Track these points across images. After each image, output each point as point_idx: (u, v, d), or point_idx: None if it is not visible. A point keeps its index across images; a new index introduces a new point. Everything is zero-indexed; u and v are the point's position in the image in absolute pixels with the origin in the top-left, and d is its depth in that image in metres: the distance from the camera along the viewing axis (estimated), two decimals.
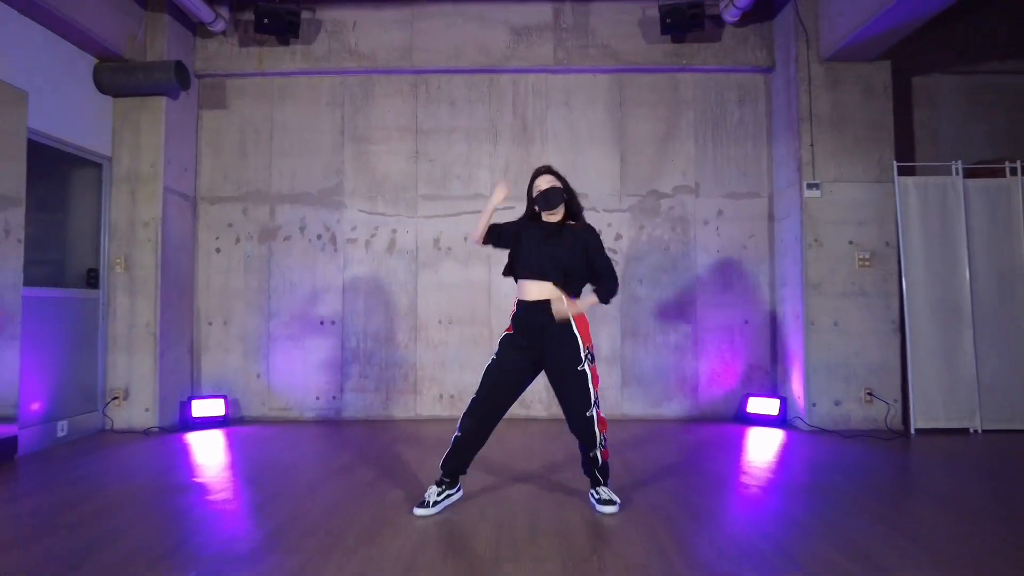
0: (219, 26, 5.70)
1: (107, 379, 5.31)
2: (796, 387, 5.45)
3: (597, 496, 3.20)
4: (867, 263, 5.31)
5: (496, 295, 5.79)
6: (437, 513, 3.12)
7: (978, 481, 3.80)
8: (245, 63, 5.86)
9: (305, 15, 5.74)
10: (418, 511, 3.10)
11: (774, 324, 5.80)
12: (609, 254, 3.32)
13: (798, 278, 5.39)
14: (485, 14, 5.83)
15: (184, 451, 4.63)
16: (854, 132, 5.38)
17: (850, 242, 5.33)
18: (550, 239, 3.24)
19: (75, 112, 5.03)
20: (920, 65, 5.94)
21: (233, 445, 4.82)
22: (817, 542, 2.75)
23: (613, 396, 5.73)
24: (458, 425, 3.23)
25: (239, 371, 5.82)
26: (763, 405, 5.53)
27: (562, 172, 3.22)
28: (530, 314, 3.20)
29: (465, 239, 5.82)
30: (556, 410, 5.54)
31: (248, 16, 5.75)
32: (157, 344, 5.32)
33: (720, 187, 5.87)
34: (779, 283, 5.74)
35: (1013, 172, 5.32)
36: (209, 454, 4.54)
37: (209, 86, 5.97)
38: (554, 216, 3.30)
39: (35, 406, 4.61)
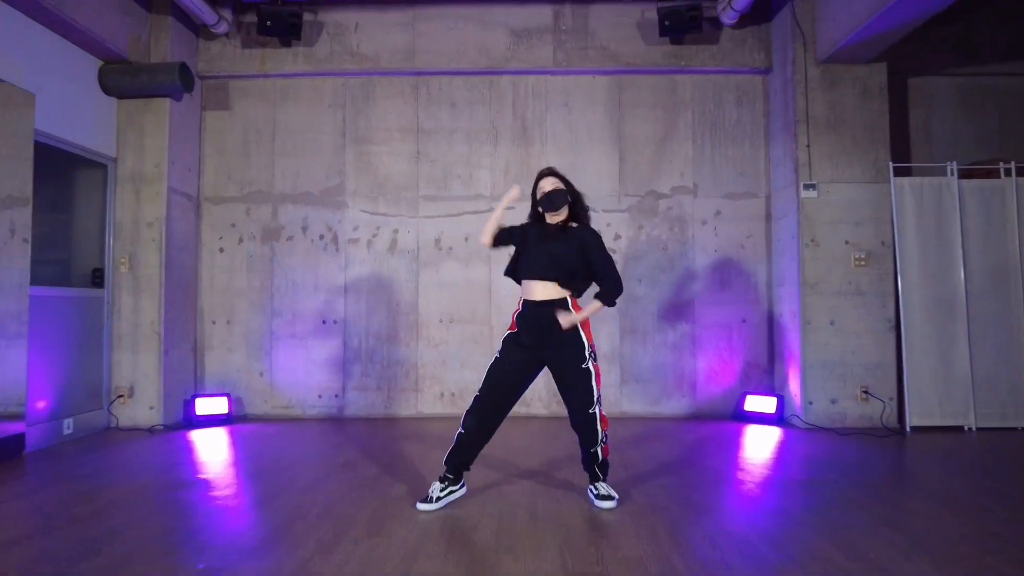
0: (222, 28, 5.77)
1: (112, 377, 5.37)
2: (793, 385, 5.51)
3: (596, 491, 3.27)
4: (863, 263, 5.38)
5: (496, 294, 5.85)
6: (440, 508, 3.19)
7: (972, 478, 3.85)
8: (248, 65, 5.93)
9: (307, 17, 5.80)
10: (421, 506, 3.16)
11: (771, 323, 5.87)
12: (608, 254, 3.36)
13: (795, 277, 5.46)
14: (486, 16, 5.89)
15: (188, 448, 4.69)
16: (850, 133, 5.44)
17: (846, 242, 5.39)
18: (550, 239, 3.29)
19: (80, 114, 5.09)
20: (916, 67, 6.00)
21: (237, 442, 4.88)
22: (811, 536, 2.81)
23: (612, 394, 5.79)
24: (462, 422, 3.29)
25: (242, 370, 5.89)
26: (760, 403, 5.59)
27: (561, 173, 3.29)
28: (535, 313, 3.25)
29: (466, 239, 5.89)
30: (556, 408, 5.61)
31: (251, 18, 5.81)
32: (161, 343, 5.38)
33: (718, 187, 5.94)
34: (776, 282, 5.81)
35: (1007, 173, 5.38)
36: (213, 451, 4.60)
37: (212, 87, 6.03)
38: (558, 217, 3.35)
39: (42, 404, 4.67)
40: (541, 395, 5.77)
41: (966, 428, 5.21)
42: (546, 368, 3.36)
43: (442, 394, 5.87)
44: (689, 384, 5.86)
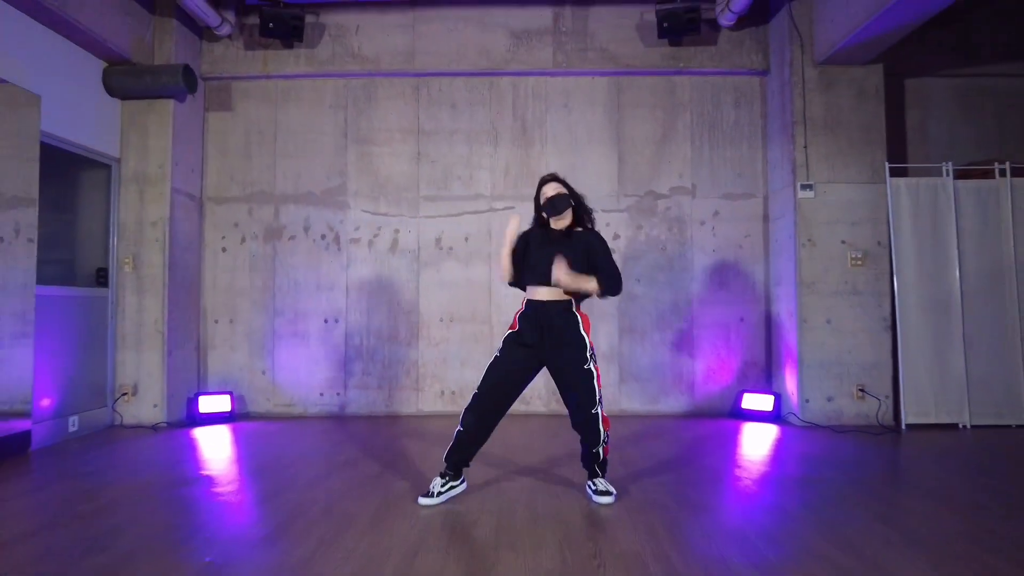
0: (225, 30, 5.83)
1: (116, 376, 5.43)
2: (790, 383, 5.57)
3: (594, 487, 3.32)
4: (859, 262, 5.43)
5: (496, 294, 5.91)
6: (441, 503, 3.24)
7: (967, 475, 3.90)
8: (250, 66, 5.98)
9: (309, 19, 5.85)
10: (423, 500, 3.22)
11: (769, 322, 5.92)
12: (613, 258, 3.39)
13: (792, 277, 5.51)
14: (486, 18, 5.95)
15: (192, 446, 4.74)
16: (847, 134, 5.50)
17: (843, 242, 5.45)
18: (555, 243, 3.33)
19: (85, 115, 5.15)
20: (912, 68, 6.05)
21: (239, 440, 4.94)
22: (807, 532, 2.86)
23: (611, 392, 5.84)
24: (460, 420, 3.33)
25: (245, 368, 5.94)
26: (758, 401, 5.65)
27: (561, 173, 3.32)
28: (539, 313, 3.30)
29: (466, 239, 5.95)
30: (555, 406, 5.67)
31: (253, 20, 5.87)
32: (165, 342, 5.44)
33: (716, 188, 5.99)
34: (774, 282, 5.86)
35: (1002, 173, 5.43)
36: (216, 449, 4.65)
37: (215, 89, 6.08)
38: (562, 222, 3.39)
39: (48, 402, 4.73)
40: (541, 393, 5.83)
41: (961, 426, 5.27)
42: (545, 367, 3.41)
43: (442, 392, 5.92)
44: (687, 382, 5.92)
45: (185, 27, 5.71)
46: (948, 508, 3.21)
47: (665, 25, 5.59)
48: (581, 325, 3.31)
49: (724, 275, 5.94)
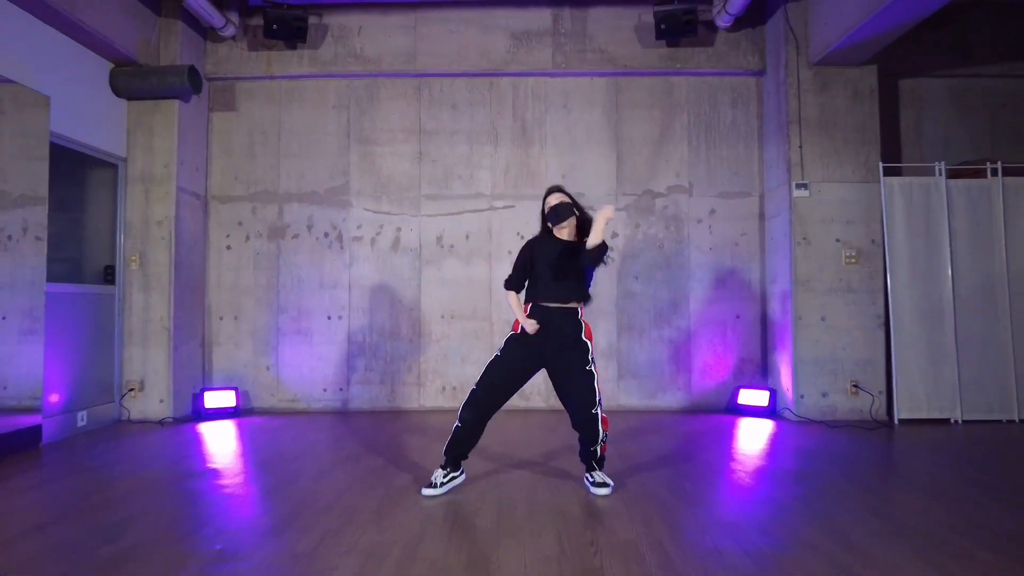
0: (229, 31, 5.91)
1: (123, 372, 5.52)
2: (785, 379, 5.66)
3: (592, 480, 3.42)
4: (854, 260, 5.52)
5: (496, 291, 5.99)
6: (443, 494, 3.35)
7: (956, 469, 3.98)
8: (254, 67, 6.06)
9: (312, 20, 5.93)
10: (426, 491, 3.33)
11: (764, 319, 6.01)
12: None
13: (787, 275, 5.60)
14: (486, 20, 6.03)
15: (198, 440, 4.84)
16: (842, 134, 5.58)
17: (837, 240, 5.54)
18: (561, 256, 3.41)
19: (92, 115, 5.23)
20: (907, 69, 6.13)
21: (244, 435, 5.03)
22: (798, 523, 2.95)
23: (610, 388, 5.94)
24: (459, 416, 3.43)
25: (249, 364, 6.04)
26: (753, 397, 5.74)
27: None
28: (546, 318, 3.39)
29: (467, 237, 6.05)
30: (554, 402, 5.75)
31: (257, 21, 5.95)
32: (171, 338, 5.53)
33: (713, 187, 6.08)
34: (769, 279, 5.95)
35: (994, 173, 5.52)
36: (222, 443, 4.75)
37: (219, 89, 6.17)
38: (564, 231, 3.48)
39: (57, 397, 4.82)
40: (540, 389, 5.92)
41: (953, 421, 5.37)
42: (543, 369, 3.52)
43: (444, 388, 6.02)
44: (684, 378, 6.01)
45: (190, 28, 5.79)
46: (937, 501, 3.29)
47: (663, 26, 5.67)
48: (584, 332, 3.42)
49: (721, 273, 6.03)
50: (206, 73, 6.05)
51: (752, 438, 4.87)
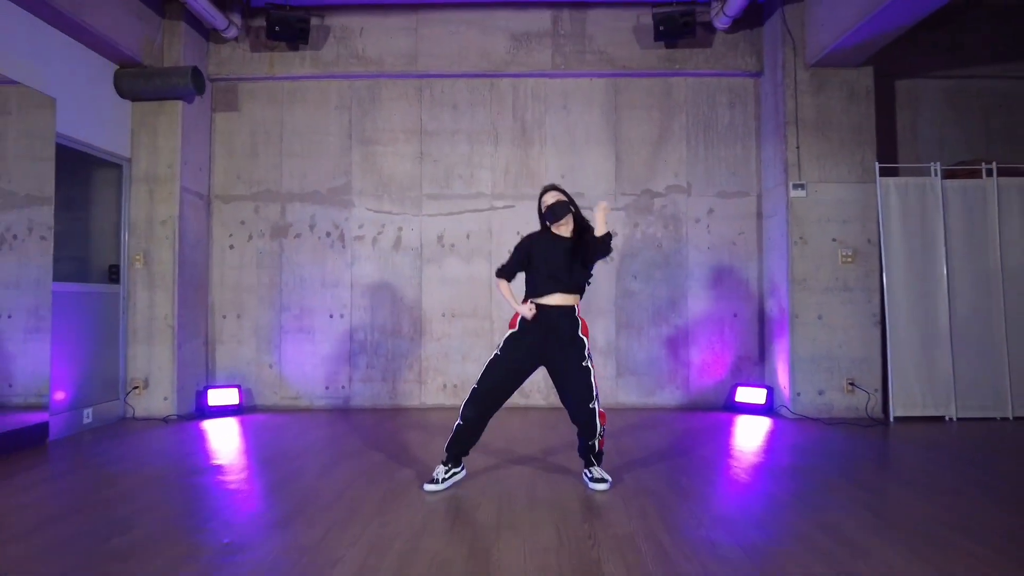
0: (232, 33, 5.97)
1: (128, 369, 5.59)
2: (782, 377, 5.72)
3: (590, 475, 3.49)
4: (850, 260, 5.58)
5: (497, 290, 6.05)
6: (445, 489, 3.41)
7: (951, 465, 4.04)
8: (256, 68, 6.12)
9: (314, 22, 5.99)
10: (428, 487, 3.39)
11: (762, 317, 6.08)
12: None
13: (784, 274, 5.66)
14: (487, 21, 6.09)
15: (202, 437, 4.91)
16: (838, 135, 5.64)
17: (834, 240, 5.60)
18: (561, 253, 3.48)
19: (97, 116, 5.30)
20: (903, 70, 6.19)
21: (248, 432, 5.10)
22: (793, 517, 3.02)
23: (608, 386, 6.01)
24: (460, 414, 3.50)
25: (252, 362, 6.10)
26: (751, 394, 5.81)
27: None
28: (547, 316, 3.45)
29: (468, 237, 6.11)
30: (554, 399, 5.81)
31: (260, 23, 6.01)
32: (175, 336, 5.60)
33: (711, 187, 6.14)
34: (766, 278, 6.02)
35: (989, 173, 5.58)
36: (226, 440, 4.82)
37: (222, 90, 6.23)
38: (563, 228, 3.55)
39: (63, 395, 4.89)
40: (540, 387, 5.99)
41: (947, 418, 5.43)
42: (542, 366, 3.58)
43: (444, 386, 6.09)
44: (682, 376, 6.08)
45: (193, 30, 5.85)
46: (931, 496, 3.35)
47: (661, 28, 5.72)
48: (581, 328, 3.49)
49: (718, 272, 6.10)
50: (209, 74, 6.11)
51: (749, 435, 4.94)
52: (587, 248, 3.46)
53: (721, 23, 5.83)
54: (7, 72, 4.33)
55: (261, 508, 3.21)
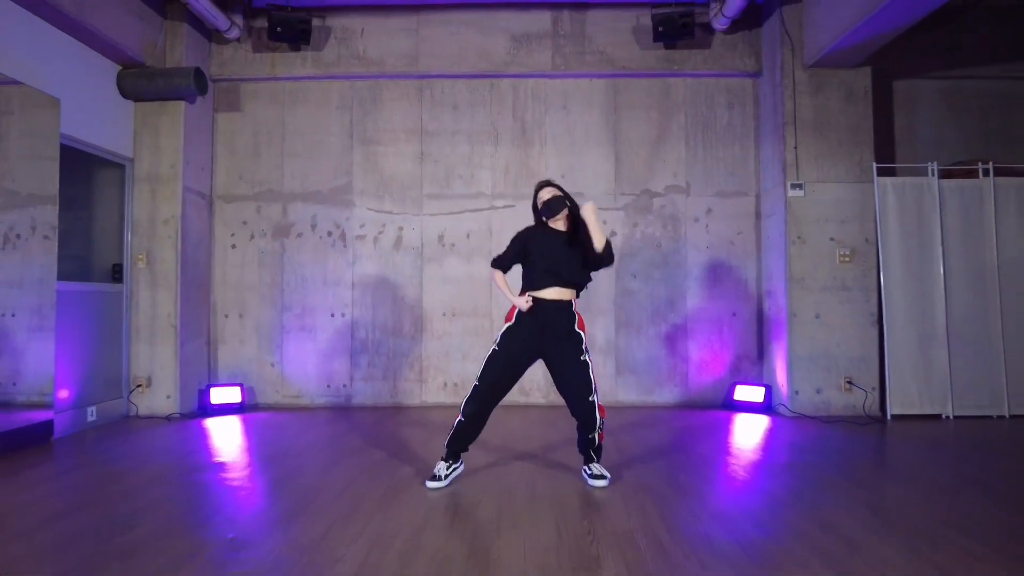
0: (234, 33, 6.01)
1: (131, 368, 5.64)
2: (780, 376, 5.76)
3: (590, 472, 3.53)
4: (847, 259, 5.62)
5: (494, 284, 6.08)
6: (447, 485, 3.46)
7: (947, 463, 4.07)
8: (258, 68, 6.16)
9: (316, 23, 6.02)
10: (430, 484, 3.44)
11: (760, 316, 6.12)
12: None
13: (782, 273, 5.70)
14: (487, 22, 6.12)
15: (205, 435, 4.95)
16: (836, 135, 5.68)
17: (831, 239, 5.64)
18: (558, 247, 3.51)
19: (100, 116, 5.34)
20: (901, 70, 6.23)
21: (250, 430, 5.14)
22: (790, 514, 3.05)
23: (608, 384, 6.05)
24: (461, 410, 3.53)
25: (254, 361, 6.15)
26: (749, 393, 5.86)
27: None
28: (544, 310, 3.49)
29: (468, 236, 6.15)
30: (554, 397, 5.86)
31: (262, 24, 6.05)
32: (177, 335, 5.64)
33: (709, 186, 6.18)
34: (765, 278, 6.06)
35: (986, 173, 5.62)
36: (229, 438, 4.86)
37: (224, 90, 6.26)
38: (559, 222, 3.59)
39: (67, 393, 4.93)
40: (540, 385, 6.02)
41: (944, 416, 5.47)
42: (540, 360, 3.62)
43: (445, 384, 6.13)
44: (681, 374, 6.12)
45: (195, 31, 5.88)
46: (928, 494, 3.38)
47: (660, 29, 5.76)
48: (577, 323, 3.53)
49: (717, 271, 6.14)
50: (211, 75, 6.14)
51: (747, 433, 4.98)
52: (586, 252, 3.49)
53: (720, 24, 5.86)
54: (10, 73, 4.37)
55: (264, 505, 3.25)
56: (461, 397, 3.60)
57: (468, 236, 6.16)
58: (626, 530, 2.83)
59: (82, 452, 4.37)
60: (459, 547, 2.65)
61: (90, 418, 5.13)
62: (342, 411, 5.89)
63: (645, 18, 5.99)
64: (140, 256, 5.66)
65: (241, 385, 5.94)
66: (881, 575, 2.37)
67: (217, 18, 5.72)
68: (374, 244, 6.19)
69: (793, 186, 5.63)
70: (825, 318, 5.60)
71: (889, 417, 5.45)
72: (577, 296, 3.58)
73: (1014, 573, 2.39)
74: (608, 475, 3.51)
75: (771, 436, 4.87)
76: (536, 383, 6.01)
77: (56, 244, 4.66)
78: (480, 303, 6.15)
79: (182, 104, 5.71)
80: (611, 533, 2.79)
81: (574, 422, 3.61)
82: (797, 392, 5.60)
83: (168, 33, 5.75)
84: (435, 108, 6.25)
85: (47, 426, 4.57)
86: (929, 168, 5.64)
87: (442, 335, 6.15)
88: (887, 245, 5.58)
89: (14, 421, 4.33)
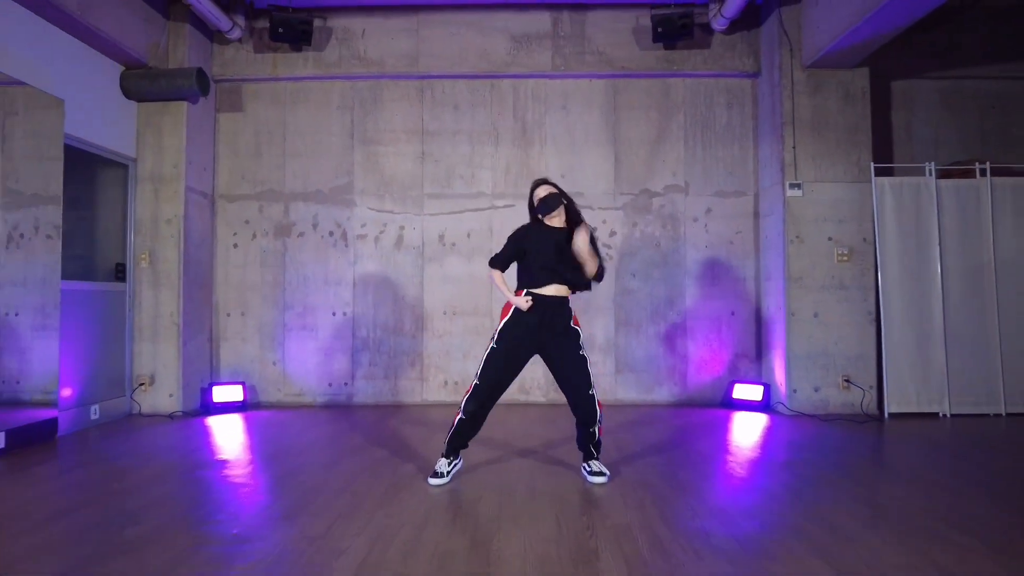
0: (236, 34, 6.04)
1: (134, 366, 5.67)
2: (779, 374, 5.80)
3: (589, 468, 3.57)
4: (845, 258, 5.66)
5: (492, 283, 6.11)
6: (448, 482, 3.50)
7: (943, 461, 4.11)
8: (260, 69, 6.20)
9: (317, 23, 6.05)
10: (433, 481, 3.48)
11: (759, 315, 6.16)
12: (604, 250, 3.63)
13: (781, 272, 5.74)
14: (487, 23, 6.16)
15: (207, 433, 4.99)
16: (834, 135, 5.71)
17: (830, 238, 5.67)
18: (556, 244, 3.54)
19: (103, 117, 5.37)
20: (899, 71, 6.26)
21: (252, 428, 5.18)
22: (786, 509, 3.10)
23: (607, 382, 6.09)
24: (461, 408, 3.56)
25: (256, 359, 6.18)
26: (748, 391, 5.89)
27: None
28: (543, 306, 3.52)
29: (468, 235, 6.19)
30: (554, 395, 5.90)
31: (263, 24, 6.08)
32: (180, 334, 5.68)
33: (708, 186, 6.22)
34: (763, 277, 6.09)
35: (983, 173, 5.65)
36: (231, 436, 4.89)
37: (226, 90, 6.30)
38: (555, 220, 3.62)
39: (71, 391, 4.96)
40: (540, 383, 6.06)
41: (941, 415, 5.50)
42: (539, 358, 3.66)
43: (446, 382, 6.16)
44: (680, 373, 6.16)
45: (198, 31, 5.91)
46: (923, 491, 3.42)
47: (659, 29, 5.79)
48: (572, 319, 3.58)
49: (716, 270, 6.17)
50: (213, 75, 6.18)
51: (745, 431, 5.01)
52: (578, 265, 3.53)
53: (719, 25, 5.90)
54: (15, 73, 4.41)
55: (268, 500, 3.29)
56: (461, 395, 3.63)
57: (469, 235, 6.20)
58: (624, 524, 2.87)
59: (86, 450, 4.41)
60: (461, 541, 2.69)
61: (93, 416, 5.17)
62: (343, 409, 5.93)
63: (644, 19, 6.02)
64: (143, 255, 5.70)
65: (243, 383, 5.98)
66: (878, 572, 2.40)
67: (219, 19, 5.76)
68: (375, 243, 6.23)
69: (791, 186, 5.66)
70: (823, 317, 5.64)
71: (887, 415, 5.48)
72: (573, 292, 3.61)
73: (1011, 569, 2.42)
74: (607, 472, 3.55)
75: (769, 434, 4.91)
76: (536, 381, 6.05)
77: (60, 244, 4.70)
78: (480, 302, 6.19)
79: (184, 104, 5.74)
80: (610, 527, 2.83)
81: (574, 420, 3.65)
82: (795, 390, 5.64)
83: (171, 34, 5.78)
84: (436, 108, 6.28)
85: (51, 424, 4.61)
86: (927, 168, 5.67)
87: (443, 334, 6.19)
88: (885, 244, 5.62)
89: (19, 419, 4.37)
